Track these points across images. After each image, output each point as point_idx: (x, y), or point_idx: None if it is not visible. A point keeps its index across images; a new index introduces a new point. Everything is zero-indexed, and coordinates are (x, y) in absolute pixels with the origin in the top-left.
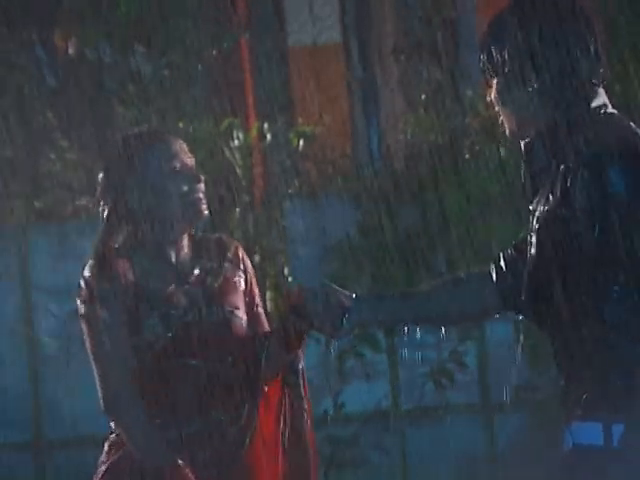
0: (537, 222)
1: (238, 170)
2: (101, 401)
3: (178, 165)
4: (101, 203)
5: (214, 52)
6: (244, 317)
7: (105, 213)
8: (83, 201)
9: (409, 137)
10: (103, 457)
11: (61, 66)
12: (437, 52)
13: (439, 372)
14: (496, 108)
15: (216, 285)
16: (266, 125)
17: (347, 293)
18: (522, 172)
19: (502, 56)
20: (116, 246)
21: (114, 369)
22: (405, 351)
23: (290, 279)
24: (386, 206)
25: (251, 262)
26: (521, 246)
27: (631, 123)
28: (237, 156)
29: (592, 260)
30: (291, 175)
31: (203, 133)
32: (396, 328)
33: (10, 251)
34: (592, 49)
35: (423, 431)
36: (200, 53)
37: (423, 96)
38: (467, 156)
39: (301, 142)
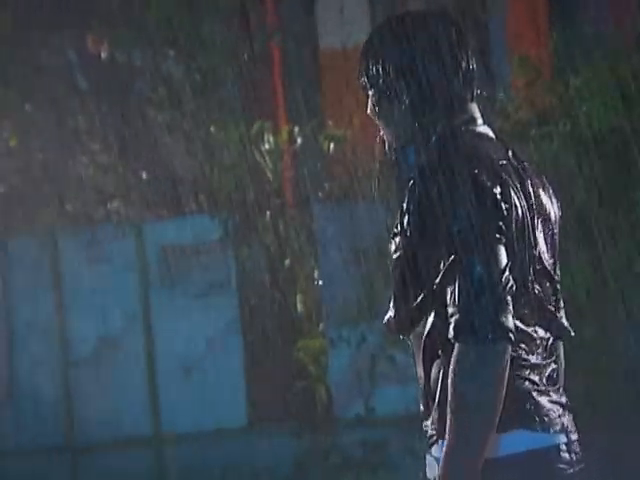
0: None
1: (269, 173)
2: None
3: None
4: None
5: (245, 55)
6: None
7: None
8: (114, 204)
9: None
10: None
11: (93, 70)
12: None
13: None
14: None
15: None
16: (297, 128)
17: None
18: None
19: (376, 70)
20: None
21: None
22: None
23: (320, 282)
24: None
25: (282, 265)
26: None
27: (494, 140)
28: (268, 159)
29: (426, 279)
30: (321, 178)
31: (234, 136)
32: None
33: (41, 253)
34: (464, 64)
35: None
36: (231, 56)
37: None
38: None
39: (331, 145)
